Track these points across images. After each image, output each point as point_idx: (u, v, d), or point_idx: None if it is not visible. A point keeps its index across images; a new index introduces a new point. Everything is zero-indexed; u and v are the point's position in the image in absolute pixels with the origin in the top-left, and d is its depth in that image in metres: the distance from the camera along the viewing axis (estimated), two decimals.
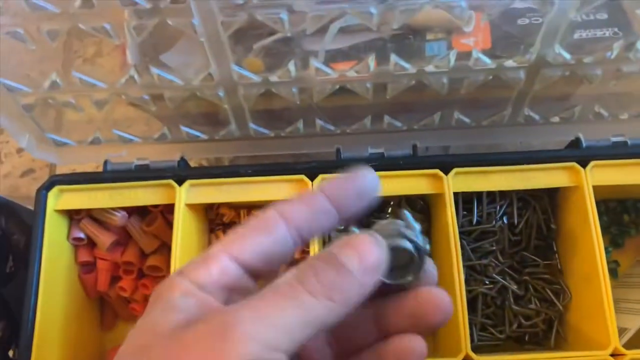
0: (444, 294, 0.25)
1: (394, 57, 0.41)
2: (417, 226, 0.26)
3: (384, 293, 0.26)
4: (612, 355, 0.43)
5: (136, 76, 0.43)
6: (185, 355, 0.20)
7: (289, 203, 0.25)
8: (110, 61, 0.67)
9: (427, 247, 0.26)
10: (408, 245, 0.25)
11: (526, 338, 0.52)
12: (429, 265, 0.26)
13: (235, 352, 0.20)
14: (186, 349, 0.20)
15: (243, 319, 0.21)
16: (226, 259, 0.24)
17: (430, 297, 0.25)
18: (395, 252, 0.25)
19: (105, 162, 0.51)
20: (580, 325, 0.49)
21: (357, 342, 0.26)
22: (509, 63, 0.42)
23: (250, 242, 0.24)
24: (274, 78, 0.43)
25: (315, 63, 0.42)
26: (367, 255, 0.23)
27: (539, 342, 0.53)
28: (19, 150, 0.66)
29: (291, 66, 0.42)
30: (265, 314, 0.21)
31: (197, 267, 0.24)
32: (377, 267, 0.23)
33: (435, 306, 0.24)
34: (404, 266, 0.25)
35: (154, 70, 0.42)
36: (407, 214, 0.26)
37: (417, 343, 0.24)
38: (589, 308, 0.47)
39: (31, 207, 0.54)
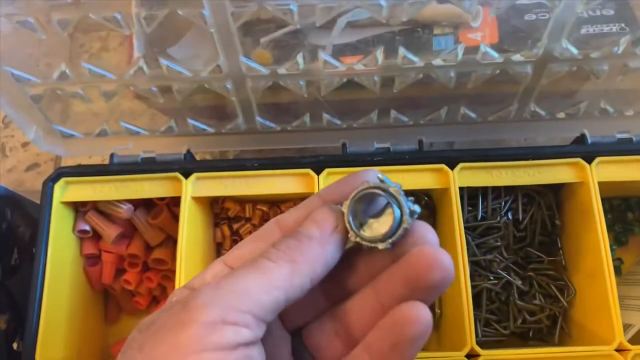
0: (440, 251, 0.23)
1: (402, 50, 0.41)
2: (396, 185, 0.25)
3: (375, 264, 0.26)
4: (617, 350, 0.43)
5: (145, 67, 0.43)
6: (154, 337, 0.22)
7: (287, 212, 0.27)
8: (116, 56, 0.68)
9: (413, 206, 0.25)
10: (377, 192, 0.25)
11: (530, 334, 0.53)
12: (421, 227, 0.25)
13: (194, 318, 0.21)
14: (156, 332, 0.22)
15: (204, 291, 0.22)
16: (221, 265, 0.26)
17: (421, 255, 0.23)
18: (378, 213, 0.25)
19: (112, 155, 0.51)
20: (585, 321, 0.49)
21: (364, 325, 0.26)
22: (517, 57, 0.43)
23: (246, 249, 0.26)
24: (282, 70, 0.43)
25: (323, 55, 0.42)
26: (324, 221, 0.25)
27: (543, 338, 0.53)
28: (24, 145, 0.66)
29: (299, 58, 0.42)
30: (226, 284, 0.23)
31: (196, 276, 0.26)
32: (334, 228, 0.25)
33: (428, 264, 0.23)
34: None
35: (163, 62, 0.42)
36: (385, 176, 0.26)
37: (417, 309, 0.22)
38: (594, 304, 0.47)
39: (35, 201, 0.54)
